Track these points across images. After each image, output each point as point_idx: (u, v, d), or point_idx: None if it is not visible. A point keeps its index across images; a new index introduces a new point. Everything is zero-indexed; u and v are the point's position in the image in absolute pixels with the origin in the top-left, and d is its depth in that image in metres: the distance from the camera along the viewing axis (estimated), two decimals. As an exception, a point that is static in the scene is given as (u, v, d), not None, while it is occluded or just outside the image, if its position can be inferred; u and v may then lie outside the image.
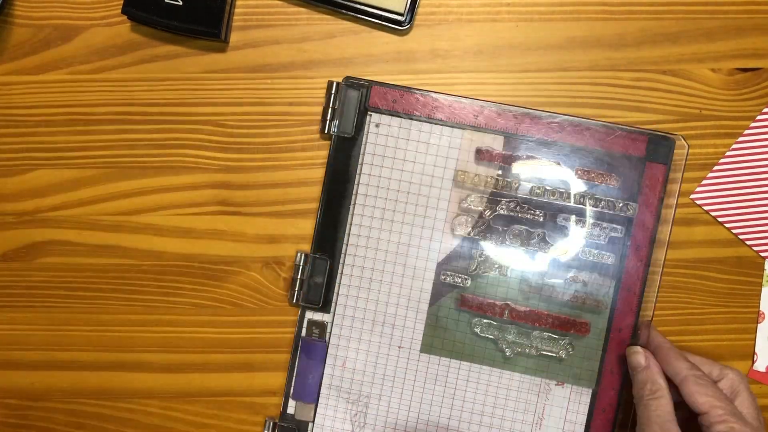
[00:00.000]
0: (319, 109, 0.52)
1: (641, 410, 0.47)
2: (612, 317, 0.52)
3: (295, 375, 0.53)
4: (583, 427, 0.52)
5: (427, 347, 0.52)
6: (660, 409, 0.46)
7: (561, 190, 0.52)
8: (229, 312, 0.54)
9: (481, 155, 0.51)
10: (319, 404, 0.53)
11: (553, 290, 0.52)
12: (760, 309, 0.53)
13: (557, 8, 0.52)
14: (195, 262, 0.54)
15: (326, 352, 0.53)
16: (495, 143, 0.52)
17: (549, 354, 0.52)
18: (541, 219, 0.52)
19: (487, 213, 0.52)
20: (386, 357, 0.53)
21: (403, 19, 0.51)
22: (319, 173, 0.53)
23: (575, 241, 0.52)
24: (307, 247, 0.53)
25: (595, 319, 0.52)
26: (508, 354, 0.52)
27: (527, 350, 0.52)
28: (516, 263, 0.52)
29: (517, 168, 0.52)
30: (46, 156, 0.53)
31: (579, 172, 0.52)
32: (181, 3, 0.49)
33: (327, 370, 0.53)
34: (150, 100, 0.53)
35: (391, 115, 0.52)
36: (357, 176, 0.52)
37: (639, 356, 0.49)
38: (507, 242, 0.52)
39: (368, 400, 0.53)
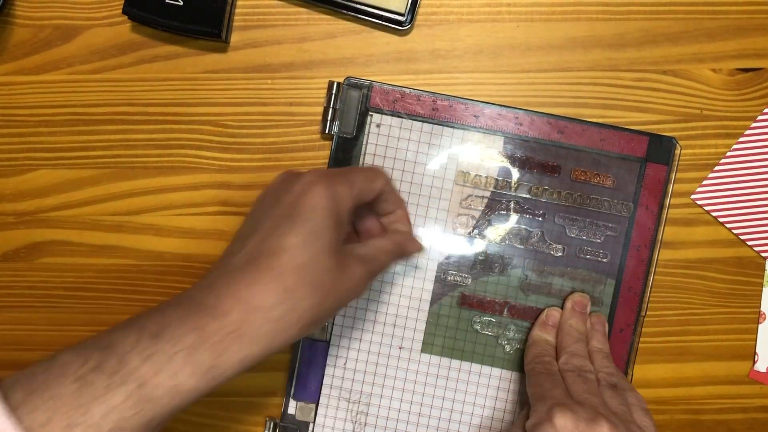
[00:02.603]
0: (320, 109, 0.52)
1: None
2: (613, 317, 0.52)
3: (295, 375, 0.53)
4: (583, 427, 0.52)
5: (428, 347, 0.52)
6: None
7: (559, 190, 0.52)
8: (229, 312, 0.54)
9: (482, 155, 0.52)
10: (319, 404, 0.53)
11: (551, 288, 0.52)
12: (761, 309, 0.53)
13: (558, 8, 0.52)
14: (195, 263, 0.54)
15: (327, 352, 0.53)
16: (495, 144, 0.52)
17: (549, 354, 0.52)
18: (540, 219, 0.52)
19: (488, 213, 0.52)
20: (387, 357, 0.53)
21: (404, 19, 0.51)
22: (320, 173, 0.53)
23: (572, 240, 0.52)
24: (307, 247, 0.53)
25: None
26: (507, 350, 0.52)
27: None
28: (516, 262, 0.52)
29: (517, 168, 0.52)
30: (47, 156, 0.53)
31: (578, 172, 0.52)
32: (181, 3, 0.49)
33: (328, 370, 0.53)
34: (150, 100, 0.53)
35: (392, 115, 0.52)
36: (358, 176, 0.52)
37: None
38: (507, 241, 0.52)
39: (369, 400, 0.53)
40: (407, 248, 0.46)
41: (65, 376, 0.33)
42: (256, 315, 0.37)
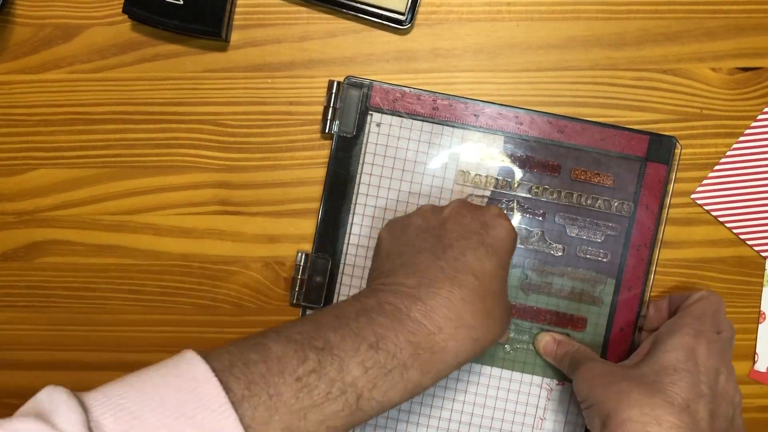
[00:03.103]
0: (320, 108, 0.52)
1: (572, 375, 0.47)
2: (613, 316, 0.52)
3: (295, 375, 0.53)
4: (583, 428, 0.52)
5: (428, 347, 0.52)
6: (580, 355, 0.48)
7: (559, 190, 0.52)
8: (229, 312, 0.54)
9: (482, 155, 0.52)
10: (319, 404, 0.53)
11: (551, 287, 0.52)
12: (761, 309, 0.53)
13: (557, 8, 0.52)
14: (195, 262, 0.54)
15: (327, 352, 0.52)
16: (495, 143, 0.52)
17: (550, 353, 0.52)
18: (540, 218, 0.52)
19: (488, 213, 0.52)
20: (387, 357, 0.52)
21: (404, 18, 0.51)
22: (320, 173, 0.53)
23: (572, 239, 0.52)
24: (307, 246, 0.53)
25: (593, 316, 0.52)
26: (507, 350, 0.52)
27: (526, 346, 0.52)
28: (516, 261, 0.52)
29: (517, 168, 0.52)
30: (46, 155, 0.53)
31: (578, 171, 0.52)
32: (182, 2, 0.49)
33: (327, 369, 0.53)
34: (150, 100, 0.53)
35: (392, 114, 0.52)
36: (358, 176, 0.52)
37: (547, 338, 0.51)
38: (508, 242, 0.52)
39: (369, 400, 0.52)
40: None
41: (285, 373, 0.32)
42: (463, 332, 0.37)
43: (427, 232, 0.42)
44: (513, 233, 0.42)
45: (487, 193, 0.52)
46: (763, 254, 0.53)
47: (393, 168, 0.52)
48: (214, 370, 0.31)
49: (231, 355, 0.32)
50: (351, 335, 0.34)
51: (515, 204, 0.52)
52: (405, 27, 0.51)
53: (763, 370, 0.53)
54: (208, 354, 0.32)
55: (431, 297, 0.37)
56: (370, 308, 0.36)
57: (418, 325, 0.36)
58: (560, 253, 0.52)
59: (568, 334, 0.52)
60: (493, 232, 0.41)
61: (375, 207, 0.52)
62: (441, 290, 0.37)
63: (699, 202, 0.53)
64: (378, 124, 0.52)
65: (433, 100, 0.51)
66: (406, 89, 0.51)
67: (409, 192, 0.52)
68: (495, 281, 0.39)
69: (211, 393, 0.30)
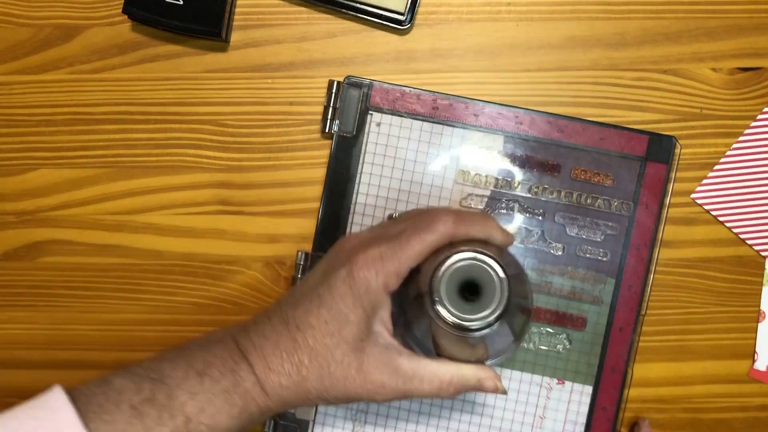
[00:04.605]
0: (320, 108, 0.52)
1: None
2: (612, 315, 0.52)
3: (296, 374, 0.53)
4: (583, 427, 0.52)
5: (428, 346, 0.53)
6: None
7: (559, 189, 0.52)
8: (230, 311, 0.54)
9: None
10: (320, 403, 0.53)
11: (551, 287, 0.52)
12: (761, 308, 0.53)
13: (558, 8, 0.52)
14: (196, 262, 0.54)
15: (327, 352, 0.53)
16: (495, 143, 0.52)
17: (547, 348, 0.52)
18: (540, 218, 0.52)
19: (488, 211, 0.52)
20: (387, 356, 0.53)
21: (404, 18, 0.51)
22: (320, 173, 0.53)
23: (572, 238, 0.52)
24: (308, 246, 0.53)
25: (593, 315, 0.52)
26: (508, 351, 0.52)
27: (526, 345, 0.52)
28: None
29: (517, 167, 0.52)
30: (47, 155, 0.53)
31: (578, 171, 0.52)
32: (181, 2, 0.49)
33: (328, 369, 0.53)
34: (151, 100, 0.53)
35: (392, 114, 0.52)
36: (358, 176, 0.52)
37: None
38: (508, 241, 0.52)
39: (369, 399, 0.53)
40: (482, 386, 0.42)
41: (120, 402, 0.36)
42: (272, 376, 0.39)
43: (320, 261, 0.42)
44: (355, 284, 0.39)
45: (487, 193, 0.52)
46: (763, 254, 0.53)
47: (393, 168, 0.52)
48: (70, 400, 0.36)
49: (80, 390, 0.38)
50: (183, 364, 0.38)
51: (515, 204, 0.52)
52: (405, 27, 0.51)
53: (763, 369, 0.54)
54: (70, 389, 0.37)
55: (259, 334, 0.40)
56: (214, 335, 0.41)
57: (241, 357, 0.39)
58: (560, 253, 0.52)
59: (567, 337, 0.52)
60: (334, 281, 0.39)
61: (375, 207, 0.52)
62: (269, 331, 0.40)
63: (699, 201, 0.53)
64: (378, 124, 0.52)
65: (433, 100, 0.51)
66: (406, 89, 0.51)
67: (409, 191, 0.52)
68: (320, 337, 0.39)
69: (65, 417, 0.35)
